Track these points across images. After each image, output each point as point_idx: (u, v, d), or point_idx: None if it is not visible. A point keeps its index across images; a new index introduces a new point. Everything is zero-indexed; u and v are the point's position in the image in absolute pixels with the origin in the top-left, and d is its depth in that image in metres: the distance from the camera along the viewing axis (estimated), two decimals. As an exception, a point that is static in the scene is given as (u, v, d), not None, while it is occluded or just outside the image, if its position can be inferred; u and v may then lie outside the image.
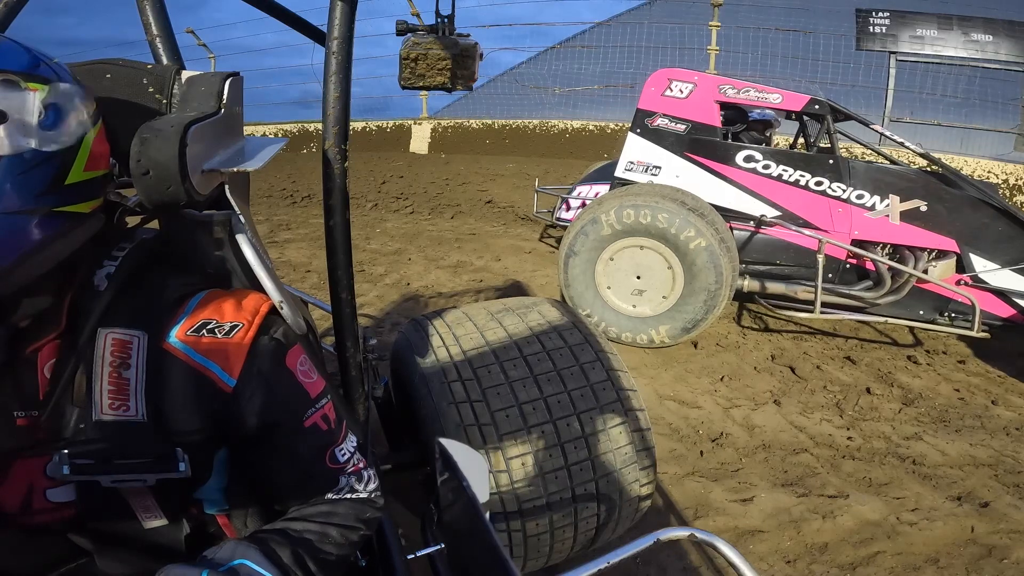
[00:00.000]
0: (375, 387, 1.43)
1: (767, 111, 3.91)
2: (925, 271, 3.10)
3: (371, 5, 5.70)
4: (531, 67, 11.68)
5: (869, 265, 3.25)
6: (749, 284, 3.31)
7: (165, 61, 1.10)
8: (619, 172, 3.62)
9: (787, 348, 3.24)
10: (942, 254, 3.20)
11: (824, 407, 2.64)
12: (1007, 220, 3.08)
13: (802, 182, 3.30)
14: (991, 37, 8.18)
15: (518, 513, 1.23)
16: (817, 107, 3.35)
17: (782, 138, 5.19)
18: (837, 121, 3.42)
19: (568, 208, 4.86)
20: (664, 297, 3.07)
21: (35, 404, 0.62)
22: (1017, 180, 8.22)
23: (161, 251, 0.73)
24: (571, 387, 1.32)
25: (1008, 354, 3.16)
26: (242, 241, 0.82)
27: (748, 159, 3.37)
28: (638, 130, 3.58)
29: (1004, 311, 3.08)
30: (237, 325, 0.68)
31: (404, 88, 1.38)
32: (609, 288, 3.17)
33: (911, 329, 3.46)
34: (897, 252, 3.28)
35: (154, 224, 0.83)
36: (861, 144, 3.92)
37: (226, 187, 0.82)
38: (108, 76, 0.82)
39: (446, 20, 1.37)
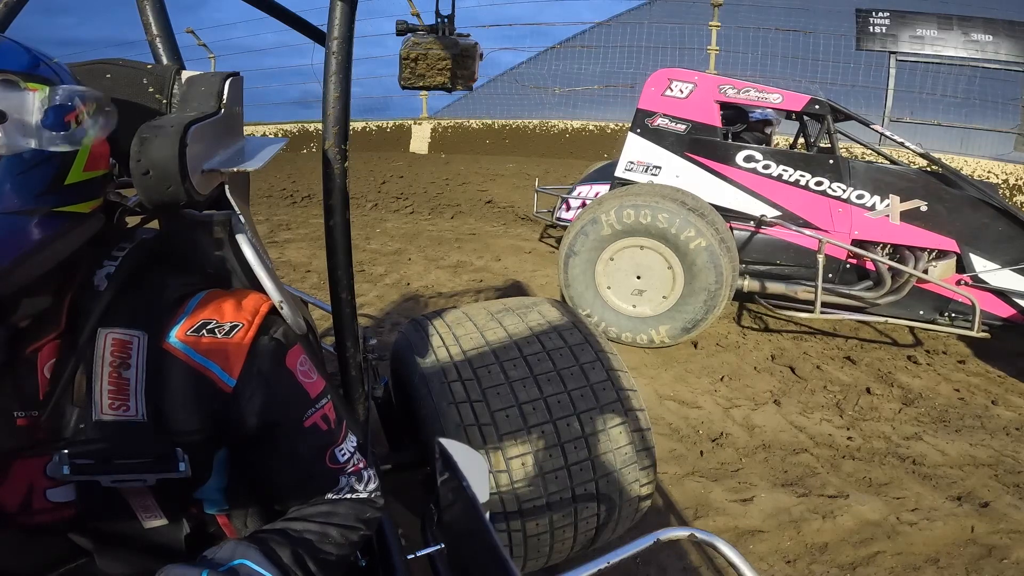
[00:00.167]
0: (375, 387, 1.43)
1: (767, 111, 3.91)
2: (925, 271, 3.11)
3: (371, 5, 5.70)
4: (531, 67, 11.69)
5: (869, 265, 3.25)
6: (749, 284, 3.31)
7: (165, 61, 1.10)
8: (619, 172, 3.63)
9: (787, 348, 3.24)
10: (942, 254, 3.20)
11: (824, 407, 2.64)
12: (1007, 220, 3.08)
13: (802, 182, 3.31)
14: (991, 37, 8.18)
15: (518, 513, 1.23)
16: (817, 107, 3.35)
17: (782, 138, 5.19)
18: (837, 121, 3.42)
19: (568, 208, 4.86)
20: (664, 297, 3.07)
21: (35, 404, 0.62)
22: (1017, 180, 8.22)
23: (161, 251, 0.73)
24: (571, 387, 1.32)
25: (1008, 354, 3.16)
26: (242, 241, 0.82)
27: (748, 159, 3.38)
28: (638, 130, 3.58)
29: (1004, 311, 3.08)
30: (237, 325, 0.68)
31: (404, 88, 1.38)
32: (609, 288, 3.17)
33: (911, 329, 3.46)
34: (897, 252, 3.28)
35: (154, 224, 0.82)
36: (861, 144, 3.92)
37: (226, 187, 0.82)
38: (108, 76, 0.82)
39: (446, 20, 1.38)
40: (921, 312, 3.20)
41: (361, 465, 0.80)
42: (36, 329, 0.63)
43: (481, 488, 0.85)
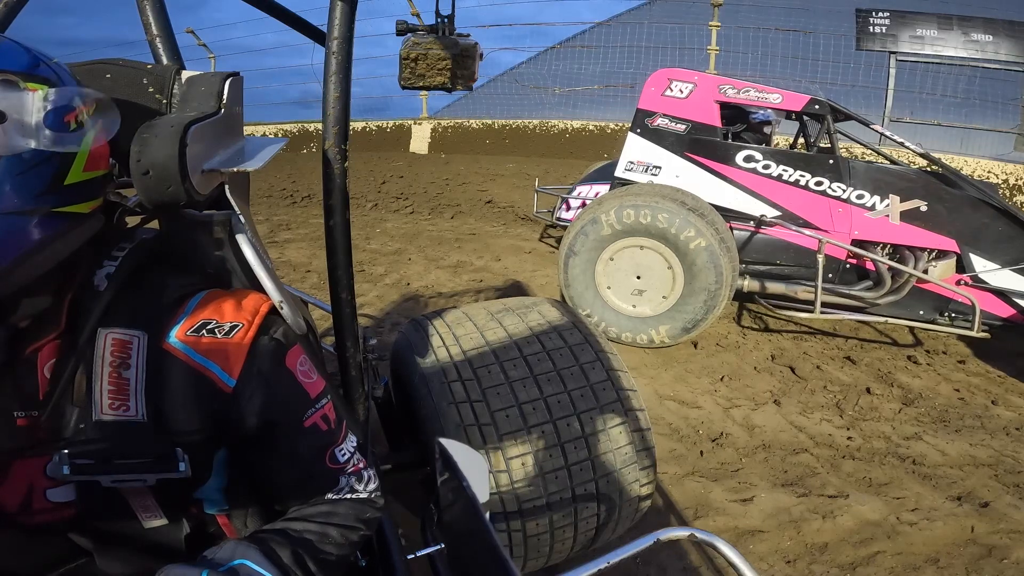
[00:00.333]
0: (375, 387, 1.43)
1: (767, 111, 3.91)
2: (925, 271, 3.11)
3: (371, 5, 5.70)
4: (531, 67, 11.68)
5: (869, 265, 3.25)
6: (749, 284, 3.31)
7: (165, 61, 1.10)
8: (619, 172, 3.62)
9: (787, 348, 3.24)
10: (942, 254, 3.20)
11: (824, 407, 2.64)
12: (1007, 220, 3.08)
13: (802, 182, 3.31)
14: (991, 37, 8.18)
15: (518, 513, 1.23)
16: (817, 107, 3.35)
17: (782, 138, 5.18)
18: (837, 121, 3.42)
19: (568, 208, 4.86)
20: (664, 297, 3.07)
21: (35, 404, 0.62)
22: (1017, 180, 8.22)
23: (161, 251, 0.73)
24: (571, 387, 1.32)
25: (1008, 354, 3.16)
26: (242, 241, 0.82)
27: (748, 159, 3.38)
28: (638, 130, 3.58)
29: (1004, 311, 3.08)
30: (237, 325, 0.68)
31: (404, 88, 1.38)
32: (609, 288, 3.17)
33: (911, 329, 3.46)
34: (897, 252, 3.28)
35: (154, 224, 0.82)
36: (861, 144, 3.93)
37: (226, 187, 0.82)
38: (108, 76, 0.82)
39: (446, 20, 1.38)
40: (921, 312, 3.20)
41: (361, 465, 0.80)
42: (36, 329, 0.63)
43: (481, 488, 0.85)
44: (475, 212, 6.64)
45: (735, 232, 3.35)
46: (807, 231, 3.25)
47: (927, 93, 8.94)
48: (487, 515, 0.80)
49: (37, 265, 0.57)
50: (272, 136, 10.80)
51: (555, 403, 1.30)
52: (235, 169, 0.78)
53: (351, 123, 1.04)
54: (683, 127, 3.47)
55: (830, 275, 3.27)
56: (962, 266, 3.14)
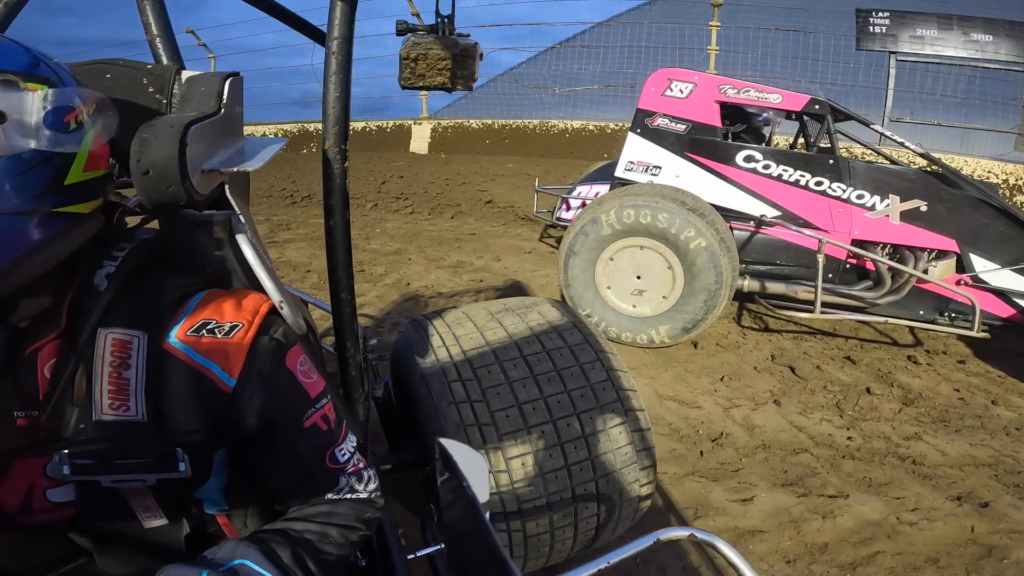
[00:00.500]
0: (375, 387, 1.43)
1: (767, 112, 3.91)
2: (925, 271, 3.11)
3: (371, 5, 5.70)
4: (531, 67, 11.68)
5: (869, 265, 3.25)
6: (749, 284, 3.31)
7: (165, 61, 1.10)
8: (619, 172, 3.62)
9: (787, 348, 3.24)
10: (942, 254, 3.20)
11: (824, 407, 2.64)
12: (1007, 220, 3.08)
13: (802, 182, 3.31)
14: (991, 37, 8.18)
15: (518, 513, 1.23)
16: (817, 107, 3.35)
17: (782, 138, 5.19)
18: (837, 121, 3.42)
19: (568, 208, 4.86)
20: (664, 297, 3.07)
21: (35, 404, 0.62)
22: (1017, 180, 8.21)
23: (161, 251, 0.73)
24: (571, 387, 1.32)
25: (1008, 354, 3.16)
26: (242, 241, 0.82)
27: (748, 159, 3.38)
28: (638, 130, 3.58)
29: (1004, 311, 3.08)
30: (237, 325, 0.68)
31: (404, 88, 1.38)
32: (609, 288, 3.17)
33: (911, 329, 3.46)
34: (897, 252, 3.28)
35: (154, 224, 0.82)
36: (861, 144, 3.92)
37: (226, 187, 0.82)
38: (108, 76, 0.82)
39: (446, 20, 1.38)
40: (921, 312, 3.20)
41: (361, 465, 0.80)
42: (36, 329, 0.63)
43: (481, 488, 0.85)
44: (475, 212, 6.64)
45: (735, 232, 3.35)
46: (807, 231, 3.25)
47: (927, 93, 8.94)
48: (487, 515, 0.80)
49: (37, 265, 0.57)
50: (272, 136, 10.80)
51: (555, 403, 1.30)
52: (235, 169, 0.78)
53: (351, 123, 1.04)
54: (683, 127, 3.47)
55: (830, 275, 3.27)
56: (962, 266, 3.14)
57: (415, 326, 1.51)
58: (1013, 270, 3.04)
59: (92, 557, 0.72)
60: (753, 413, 2.57)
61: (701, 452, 2.28)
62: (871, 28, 8.66)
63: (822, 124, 3.38)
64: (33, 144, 0.55)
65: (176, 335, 0.65)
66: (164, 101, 0.84)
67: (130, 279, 0.67)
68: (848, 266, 3.31)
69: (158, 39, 1.10)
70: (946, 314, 3.18)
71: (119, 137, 0.64)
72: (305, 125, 12.23)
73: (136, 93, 0.83)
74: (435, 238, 5.42)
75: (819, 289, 3.06)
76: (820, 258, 3.05)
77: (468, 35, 1.40)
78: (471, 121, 11.81)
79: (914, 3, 8.58)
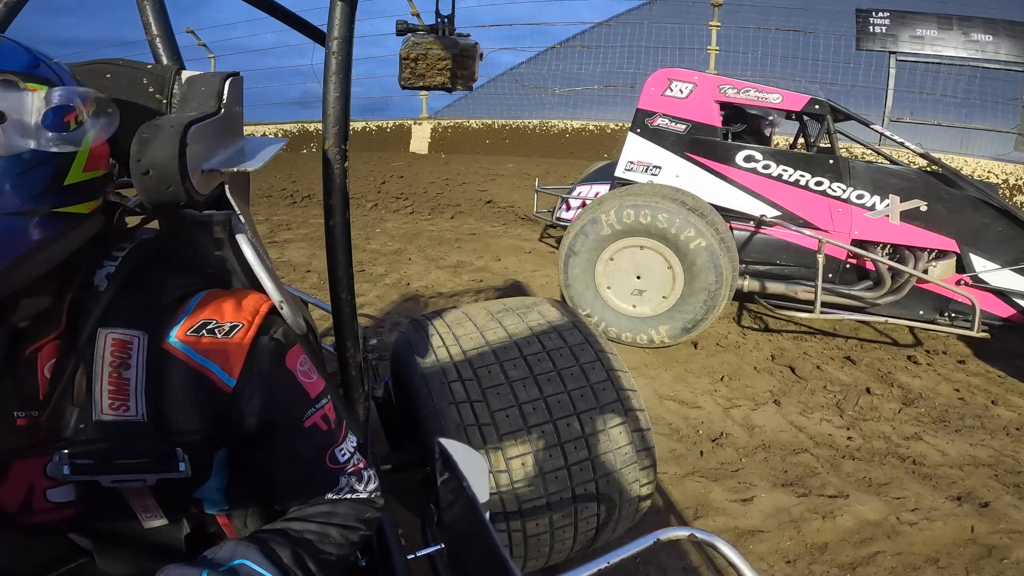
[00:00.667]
0: (375, 387, 1.43)
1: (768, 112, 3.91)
2: (925, 271, 3.10)
3: (371, 5, 5.70)
4: (531, 67, 11.68)
5: (869, 265, 3.25)
6: (749, 284, 3.31)
7: (165, 61, 1.10)
8: (619, 172, 3.62)
9: (787, 348, 3.24)
10: (942, 254, 3.20)
11: (824, 407, 2.64)
12: (1007, 220, 3.08)
13: (802, 182, 3.31)
14: (991, 37, 8.19)
15: (518, 513, 1.23)
16: (817, 107, 3.35)
17: (782, 138, 5.19)
18: (837, 121, 3.43)
19: (568, 208, 4.86)
20: (664, 297, 3.07)
21: (35, 404, 0.62)
22: (1017, 180, 8.22)
23: (161, 251, 0.73)
24: (571, 387, 1.32)
25: (1008, 354, 3.16)
26: (242, 241, 0.82)
27: (748, 159, 3.38)
28: (638, 130, 3.58)
29: (1004, 311, 3.08)
30: (237, 325, 0.68)
31: (404, 88, 1.38)
32: (609, 288, 3.17)
33: (911, 329, 3.46)
34: (897, 252, 3.28)
35: (154, 224, 0.82)
36: (861, 144, 3.92)
37: (226, 187, 0.82)
38: (108, 76, 0.82)
39: (446, 20, 1.37)
40: (921, 312, 3.20)
41: (361, 465, 0.80)
42: (36, 329, 0.63)
43: (481, 488, 0.85)
44: (475, 212, 6.64)
45: (735, 232, 3.35)
46: (807, 231, 3.25)
47: (927, 93, 8.94)
48: (487, 515, 0.80)
49: (37, 265, 0.57)
50: (272, 136, 10.80)
51: (555, 403, 1.30)
52: (235, 169, 0.78)
53: (351, 123, 1.04)
54: (683, 127, 3.47)
55: (830, 275, 3.27)
56: (962, 266, 3.14)
57: (415, 326, 1.51)
58: (1013, 270, 3.04)
59: (92, 557, 0.72)
60: (753, 413, 2.57)
61: (701, 452, 2.28)
62: (871, 28, 8.66)
63: (822, 124, 3.38)
64: (33, 144, 0.55)
65: (176, 335, 0.65)
66: (164, 101, 0.84)
67: (130, 279, 0.67)
68: (848, 266, 3.31)
69: (158, 39, 1.10)
70: (946, 314, 3.18)
71: (119, 137, 0.64)
72: (305, 125, 12.23)
73: (136, 93, 0.83)
74: (435, 238, 5.42)
75: (819, 289, 3.06)
76: (820, 258, 3.05)
77: (468, 35, 1.40)
78: (471, 121, 11.81)
79: (914, 3, 8.58)
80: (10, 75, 0.54)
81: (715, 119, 3.46)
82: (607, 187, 3.92)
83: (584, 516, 1.29)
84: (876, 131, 3.46)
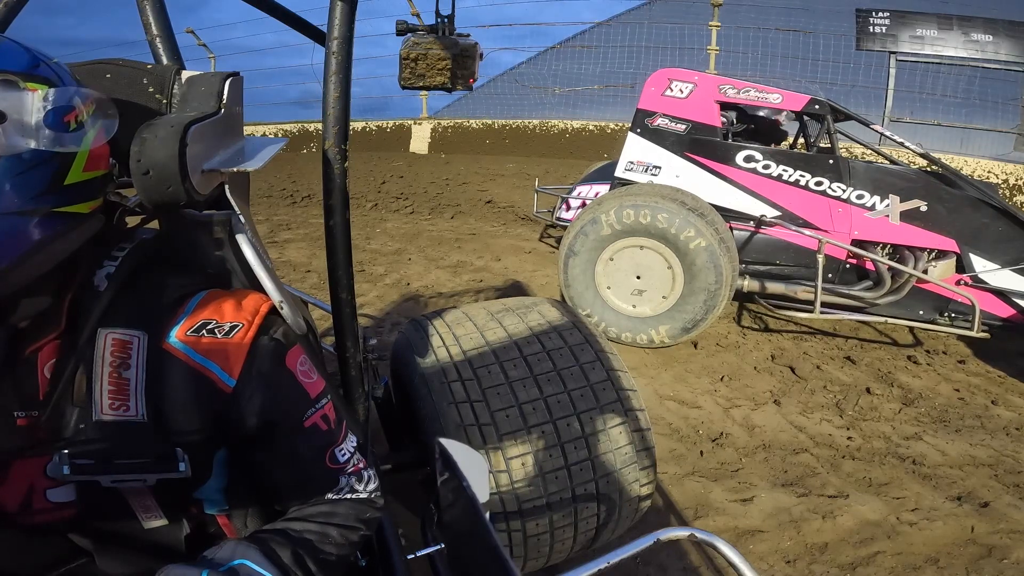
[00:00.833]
0: (375, 387, 1.43)
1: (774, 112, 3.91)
2: (925, 271, 3.10)
3: (371, 5, 5.69)
4: (531, 67, 11.68)
5: (869, 265, 3.25)
6: (749, 284, 3.31)
7: (165, 61, 1.10)
8: (619, 172, 3.62)
9: (787, 348, 3.24)
10: (942, 254, 3.20)
11: (824, 407, 2.64)
12: (1007, 220, 3.08)
13: (802, 182, 3.30)
14: (991, 37, 8.19)
15: (518, 513, 1.23)
16: (817, 107, 3.35)
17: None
18: (837, 121, 3.42)
19: (568, 208, 4.86)
20: (664, 297, 3.07)
21: (35, 404, 0.62)
22: (1017, 180, 8.22)
23: (161, 251, 0.73)
24: (571, 387, 1.32)
25: (1008, 354, 3.16)
26: (242, 241, 0.82)
27: (748, 159, 3.37)
28: (638, 130, 3.58)
29: (1004, 311, 3.08)
30: (237, 325, 0.68)
31: (404, 88, 1.38)
32: (609, 288, 3.17)
33: (911, 329, 3.46)
34: (897, 252, 3.28)
35: (154, 224, 0.82)
36: (861, 144, 3.92)
37: (226, 187, 0.82)
38: (108, 76, 0.82)
39: (446, 20, 1.38)
40: (921, 312, 3.20)
41: (361, 465, 0.80)
42: (36, 329, 0.63)
43: (481, 488, 0.85)
44: (475, 212, 6.64)
45: (735, 232, 3.35)
46: (807, 231, 3.25)
47: (927, 93, 8.94)
48: (487, 515, 0.80)
49: (37, 265, 0.56)
50: (272, 136, 10.80)
51: (555, 403, 1.30)
52: (235, 169, 0.78)
53: (351, 123, 1.04)
54: (683, 127, 3.47)
55: (830, 275, 3.27)
56: (962, 266, 3.14)
57: (415, 326, 1.51)
58: (1013, 270, 3.04)
59: (92, 557, 0.72)
60: (753, 413, 2.57)
61: (701, 452, 2.28)
62: (871, 28, 8.66)
63: (822, 124, 3.38)
64: (33, 144, 0.55)
65: (176, 335, 0.65)
66: (164, 101, 0.84)
67: (130, 279, 0.67)
68: (848, 266, 3.31)
69: (158, 39, 1.10)
70: (946, 314, 3.18)
71: (119, 137, 0.64)
72: (305, 125, 12.23)
73: (136, 93, 0.83)
74: (435, 238, 5.42)
75: (819, 289, 3.06)
76: (820, 258, 3.05)
77: (468, 35, 1.40)
78: (471, 121, 11.81)
79: (914, 3, 8.58)
80: (10, 75, 0.54)
81: (715, 119, 3.46)
82: (607, 187, 3.92)
83: (584, 516, 1.29)
84: (876, 131, 3.46)
